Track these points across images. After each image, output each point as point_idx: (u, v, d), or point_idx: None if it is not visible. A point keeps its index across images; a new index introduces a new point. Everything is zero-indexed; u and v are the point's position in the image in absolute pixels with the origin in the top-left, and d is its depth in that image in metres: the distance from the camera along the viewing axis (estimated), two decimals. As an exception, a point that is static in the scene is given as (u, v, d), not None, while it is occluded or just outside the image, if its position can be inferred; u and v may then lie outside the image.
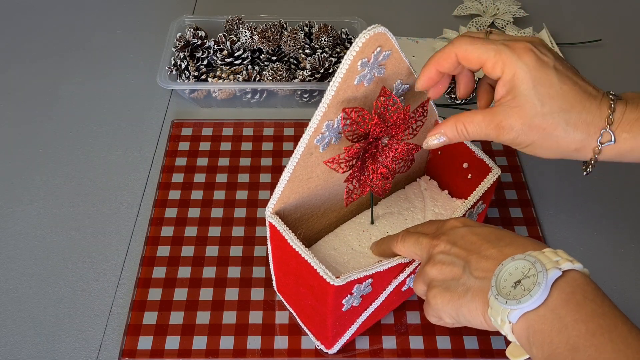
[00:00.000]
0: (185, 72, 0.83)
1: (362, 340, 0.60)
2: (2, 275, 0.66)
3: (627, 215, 0.72)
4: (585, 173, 0.51)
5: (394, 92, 0.53)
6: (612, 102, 0.46)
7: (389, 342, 0.60)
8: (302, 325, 0.60)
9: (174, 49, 0.85)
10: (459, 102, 0.84)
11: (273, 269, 0.60)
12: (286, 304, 0.62)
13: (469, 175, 0.62)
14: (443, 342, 0.60)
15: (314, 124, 0.48)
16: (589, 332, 0.37)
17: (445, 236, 0.48)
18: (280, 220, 0.52)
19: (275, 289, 0.63)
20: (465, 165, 0.62)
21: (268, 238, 0.56)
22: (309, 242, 0.61)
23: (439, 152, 0.65)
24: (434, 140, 0.51)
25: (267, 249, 0.58)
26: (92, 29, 0.99)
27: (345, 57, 0.46)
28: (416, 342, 0.60)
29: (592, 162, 0.48)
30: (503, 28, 0.96)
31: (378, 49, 0.47)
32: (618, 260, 0.67)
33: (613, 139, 0.46)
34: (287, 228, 0.51)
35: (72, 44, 0.96)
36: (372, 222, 0.63)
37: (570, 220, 0.71)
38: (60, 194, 0.74)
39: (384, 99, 0.49)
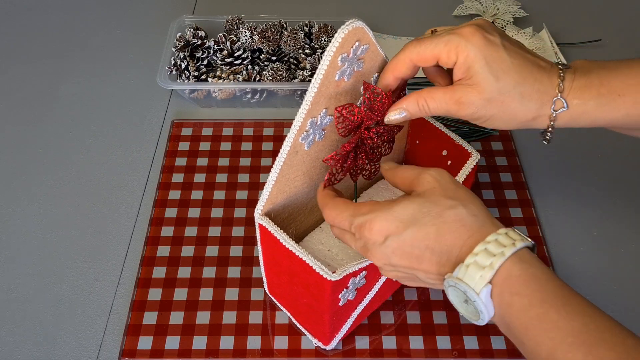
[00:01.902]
0: (185, 72, 0.83)
1: (362, 340, 0.60)
2: (2, 275, 0.66)
3: (627, 215, 0.72)
4: (545, 142, 0.53)
5: None
6: (561, 72, 0.49)
7: (389, 342, 0.60)
8: (298, 324, 0.60)
9: (174, 49, 0.85)
10: None
11: (264, 271, 0.60)
12: (279, 305, 0.62)
13: (449, 162, 0.62)
14: (443, 342, 0.60)
15: (298, 122, 0.49)
16: (523, 327, 0.41)
17: (373, 253, 0.47)
18: (270, 221, 0.52)
19: (267, 291, 0.63)
20: (444, 152, 0.62)
21: (258, 240, 0.56)
22: (297, 241, 0.61)
23: (417, 142, 0.65)
24: (395, 115, 0.51)
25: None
26: (92, 29, 0.99)
27: (326, 53, 0.46)
28: (416, 342, 0.60)
29: (550, 129, 0.51)
30: (503, 28, 0.96)
31: (356, 43, 0.47)
32: (618, 260, 0.67)
33: (565, 106, 0.49)
34: (278, 228, 0.51)
35: (72, 44, 0.96)
36: None
37: (570, 220, 0.71)
38: (60, 194, 0.74)
39: (368, 92, 0.50)
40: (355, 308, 0.57)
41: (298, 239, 0.61)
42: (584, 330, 0.38)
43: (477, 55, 0.47)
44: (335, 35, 0.46)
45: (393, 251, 0.45)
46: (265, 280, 0.61)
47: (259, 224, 0.53)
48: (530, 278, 0.41)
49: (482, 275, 0.41)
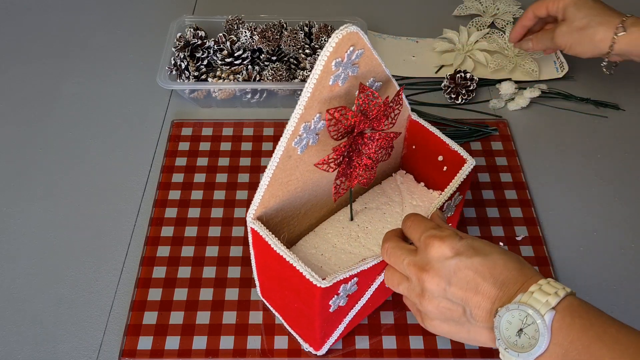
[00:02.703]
0: (185, 72, 0.83)
1: (362, 340, 0.60)
2: (2, 275, 0.66)
3: (627, 215, 0.72)
4: (605, 70, 0.79)
5: None
6: (624, 15, 0.73)
7: (389, 342, 0.60)
8: (289, 329, 0.60)
9: (174, 49, 0.85)
10: (458, 102, 0.84)
11: (256, 275, 0.59)
12: (271, 308, 0.62)
13: (445, 168, 0.62)
14: (443, 342, 0.60)
15: (291, 127, 0.48)
16: (584, 346, 0.41)
17: (435, 271, 0.46)
18: (262, 225, 0.52)
19: (259, 294, 0.62)
20: (440, 158, 0.62)
21: (250, 244, 0.55)
22: (290, 245, 0.61)
23: (413, 147, 0.65)
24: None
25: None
26: (92, 29, 0.99)
27: (320, 57, 0.46)
28: (416, 342, 0.60)
29: (610, 50, 0.73)
30: (503, 28, 0.96)
31: (351, 48, 0.47)
32: (618, 260, 0.67)
33: (625, 30, 0.72)
34: (270, 232, 0.51)
35: (72, 44, 0.96)
36: (352, 219, 0.63)
37: (570, 220, 0.71)
38: (60, 194, 0.74)
39: (363, 95, 0.49)
40: (347, 314, 0.56)
41: (292, 243, 0.61)
42: None
43: (570, 1, 0.75)
44: (329, 39, 0.45)
45: (455, 272, 0.46)
46: (257, 284, 0.61)
47: (251, 227, 0.53)
48: (589, 307, 0.43)
49: (548, 300, 0.42)
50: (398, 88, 0.55)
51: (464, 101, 0.85)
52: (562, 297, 0.43)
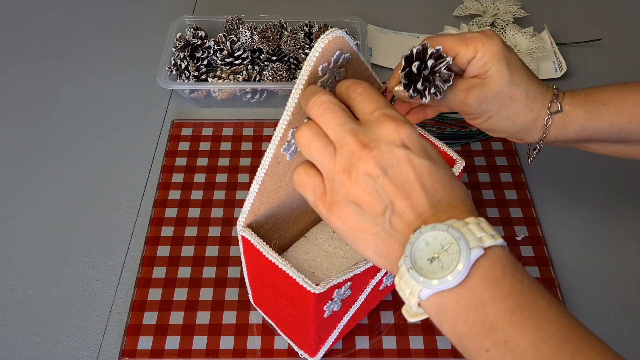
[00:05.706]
0: (185, 72, 0.83)
1: (362, 340, 0.60)
2: (2, 275, 0.66)
3: (627, 215, 0.72)
4: (530, 159, 0.61)
5: None
6: (553, 86, 0.56)
7: (389, 342, 0.60)
8: (284, 336, 0.60)
9: (174, 49, 0.85)
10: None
11: (248, 283, 0.59)
12: (265, 316, 0.62)
13: None
14: (443, 342, 0.60)
15: (279, 133, 0.48)
16: (507, 310, 0.35)
17: (378, 151, 0.39)
18: (252, 232, 0.52)
19: (252, 302, 0.62)
20: None
21: (241, 252, 0.55)
22: (281, 251, 0.61)
23: None
24: (400, 88, 0.52)
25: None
26: (92, 29, 0.99)
27: (306, 63, 0.46)
28: (416, 342, 0.60)
29: (543, 134, 0.56)
30: (503, 28, 0.96)
31: (337, 52, 0.47)
32: (618, 260, 0.67)
33: (560, 108, 0.55)
34: (261, 240, 0.51)
35: (72, 44, 0.96)
36: None
37: (570, 220, 0.71)
38: (60, 194, 0.74)
39: None
40: (341, 319, 0.56)
41: (282, 249, 0.61)
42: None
43: (498, 50, 0.52)
44: (315, 45, 0.45)
45: (398, 162, 0.39)
46: (250, 292, 0.61)
47: (241, 235, 0.52)
48: (523, 271, 0.37)
49: (482, 237, 0.36)
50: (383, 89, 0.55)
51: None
52: (497, 243, 0.36)
